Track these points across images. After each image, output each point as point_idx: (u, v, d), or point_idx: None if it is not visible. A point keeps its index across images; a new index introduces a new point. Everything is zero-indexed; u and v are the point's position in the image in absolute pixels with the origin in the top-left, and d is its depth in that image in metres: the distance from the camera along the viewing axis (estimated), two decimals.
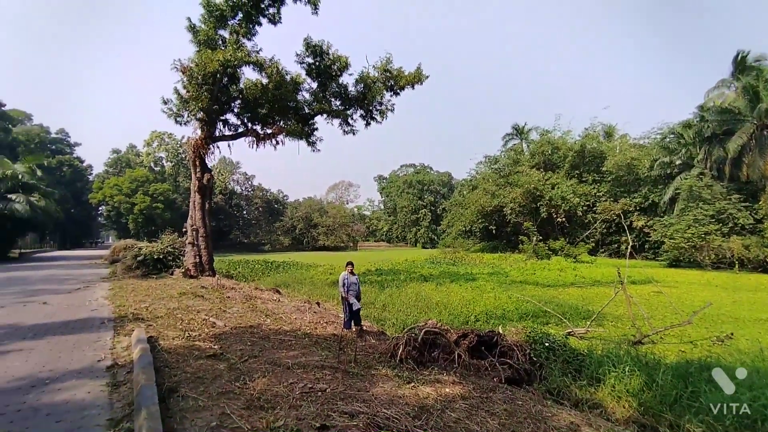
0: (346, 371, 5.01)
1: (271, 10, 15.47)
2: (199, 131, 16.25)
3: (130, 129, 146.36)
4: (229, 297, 11.09)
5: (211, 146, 16.51)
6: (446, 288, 15.61)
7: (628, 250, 15.13)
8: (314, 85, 17.14)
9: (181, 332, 6.79)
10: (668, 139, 33.93)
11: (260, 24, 15.63)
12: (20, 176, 29.39)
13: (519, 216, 39.50)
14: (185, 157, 49.14)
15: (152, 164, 59.68)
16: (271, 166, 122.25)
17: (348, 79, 17.08)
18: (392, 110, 17.43)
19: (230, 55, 13.91)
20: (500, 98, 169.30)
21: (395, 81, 16.51)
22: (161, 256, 17.01)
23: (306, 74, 16.68)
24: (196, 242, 16.06)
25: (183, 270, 15.74)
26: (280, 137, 17.28)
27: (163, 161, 60.83)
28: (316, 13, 15.33)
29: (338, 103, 17.56)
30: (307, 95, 17.32)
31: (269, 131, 17.24)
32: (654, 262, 29.34)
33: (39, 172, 34.55)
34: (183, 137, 55.44)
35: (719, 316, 10.66)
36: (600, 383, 5.29)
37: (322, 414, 3.51)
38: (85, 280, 15.45)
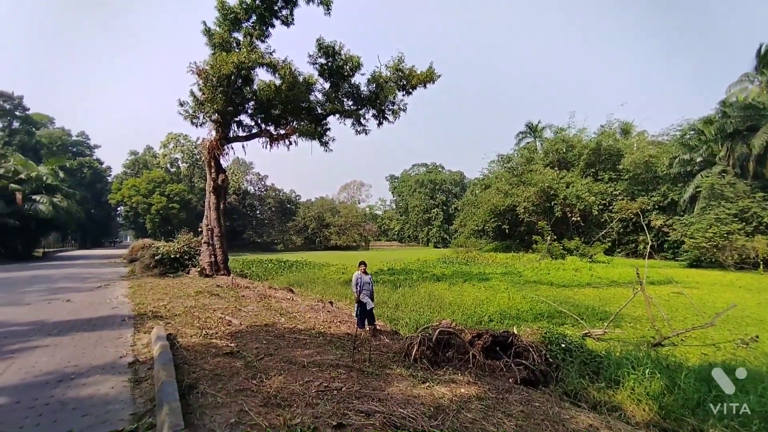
0: (360, 370, 5.03)
1: (284, 12, 15.62)
2: (214, 132, 16.51)
3: (145, 130, 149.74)
4: (243, 296, 11.25)
5: (225, 147, 16.77)
6: (459, 288, 15.51)
7: (647, 250, 14.73)
8: (327, 85, 17.23)
9: (198, 330, 6.92)
10: (688, 136, 32.93)
11: (273, 26, 15.81)
12: (44, 178, 30.43)
13: (532, 215, 38.99)
14: (200, 158, 50.11)
15: (168, 165, 61.01)
16: (283, 167, 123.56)
17: (360, 79, 17.13)
18: (404, 110, 17.39)
19: (244, 57, 14.10)
20: (513, 97, 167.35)
21: (407, 80, 16.46)
22: (178, 256, 17.37)
23: (318, 75, 16.78)
24: (211, 242, 16.34)
25: (199, 269, 16.03)
26: (293, 137, 17.45)
27: (179, 162, 62.12)
28: (329, 13, 15.42)
29: (351, 103, 17.61)
30: (319, 96, 17.43)
31: (282, 132, 17.42)
32: (673, 263, 28.59)
33: (61, 174, 35.63)
34: (198, 138, 56.70)
35: (743, 318, 10.32)
36: (619, 386, 5.18)
37: (338, 412, 3.53)
38: (106, 278, 15.90)
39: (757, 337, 8.16)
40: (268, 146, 17.46)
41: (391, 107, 17.36)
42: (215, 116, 15.97)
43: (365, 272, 8.02)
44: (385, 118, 17.63)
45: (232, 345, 5.99)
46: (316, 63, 16.77)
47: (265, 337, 6.75)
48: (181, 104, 16.44)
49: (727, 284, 17.46)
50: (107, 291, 12.30)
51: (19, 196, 27.42)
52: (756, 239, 22.95)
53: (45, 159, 38.57)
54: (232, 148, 17.47)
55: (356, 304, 7.98)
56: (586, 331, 8.69)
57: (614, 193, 36.52)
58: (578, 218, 36.74)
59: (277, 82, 15.81)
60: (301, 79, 15.95)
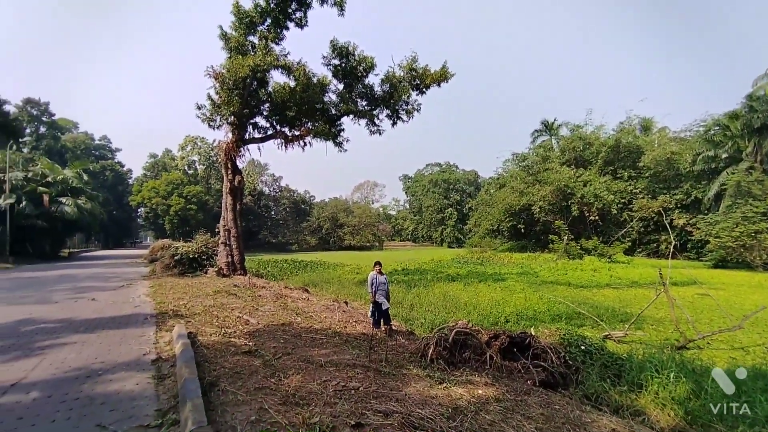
0: (377, 370, 5.04)
1: (298, 14, 15.78)
2: (230, 134, 16.80)
3: (162, 130, 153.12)
4: (260, 295, 11.42)
5: (241, 149, 17.05)
6: (474, 288, 15.37)
7: (671, 250, 14.34)
8: (341, 86, 17.35)
9: (217, 329, 7.06)
10: (713, 132, 31.80)
11: (287, 28, 15.98)
12: (69, 181, 31.60)
13: (549, 214, 38.35)
14: (216, 159, 51.09)
15: (186, 167, 62.42)
16: (297, 168, 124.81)
17: (374, 80, 17.18)
18: (418, 110, 17.37)
19: (260, 59, 14.31)
20: (528, 95, 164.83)
21: (421, 80, 16.43)
22: (196, 256, 17.75)
23: (332, 76, 16.90)
24: (228, 242, 16.64)
25: (216, 269, 16.34)
26: (308, 138, 17.60)
27: (196, 164, 63.48)
28: (343, 14, 15.50)
29: (364, 103, 17.67)
30: (333, 96, 17.54)
31: (297, 133, 17.60)
32: (698, 263, 27.64)
33: (85, 177, 36.96)
34: (214, 141, 57.86)
35: None
36: (642, 389, 5.05)
37: (356, 412, 3.55)
38: (128, 278, 16.39)
39: None
40: (283, 147, 17.67)
41: (405, 107, 17.36)
42: (231, 118, 16.24)
43: (380, 272, 8.03)
44: (399, 118, 17.63)
45: (250, 344, 6.08)
46: (330, 64, 16.89)
47: (282, 336, 6.84)
48: (199, 107, 16.77)
49: (756, 285, 16.79)
50: (130, 290, 12.68)
51: (46, 198, 28.57)
52: None
53: (70, 162, 40.06)
54: (248, 150, 17.77)
55: (371, 305, 8.00)
56: (607, 333, 8.50)
57: (634, 191, 35.56)
58: (596, 217, 35.94)
59: (292, 83, 15.99)
60: (315, 80, 16.09)
